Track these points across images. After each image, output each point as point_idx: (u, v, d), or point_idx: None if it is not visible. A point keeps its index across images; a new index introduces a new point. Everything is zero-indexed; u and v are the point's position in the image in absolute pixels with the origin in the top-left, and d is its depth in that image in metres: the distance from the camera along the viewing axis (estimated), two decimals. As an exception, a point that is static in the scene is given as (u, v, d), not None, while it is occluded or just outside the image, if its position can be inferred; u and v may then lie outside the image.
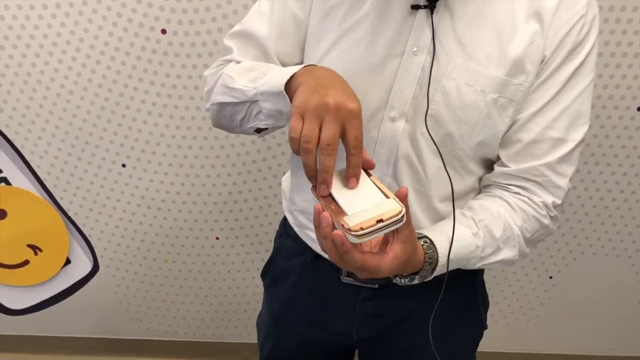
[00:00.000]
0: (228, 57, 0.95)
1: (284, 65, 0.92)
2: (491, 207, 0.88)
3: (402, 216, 0.68)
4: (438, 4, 0.82)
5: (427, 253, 0.80)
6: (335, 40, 0.86)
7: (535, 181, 0.88)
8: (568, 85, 0.84)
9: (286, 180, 1.11)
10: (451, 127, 0.84)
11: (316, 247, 1.02)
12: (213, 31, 1.55)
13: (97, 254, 1.88)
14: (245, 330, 2.09)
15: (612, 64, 1.58)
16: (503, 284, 1.96)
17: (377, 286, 1.00)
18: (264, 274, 1.19)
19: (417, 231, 0.82)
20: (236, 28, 0.95)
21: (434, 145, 0.85)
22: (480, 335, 1.13)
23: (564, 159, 0.86)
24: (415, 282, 0.82)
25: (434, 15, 0.81)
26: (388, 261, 0.71)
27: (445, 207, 0.90)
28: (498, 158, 0.91)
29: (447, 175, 0.85)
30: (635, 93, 1.62)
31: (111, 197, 1.82)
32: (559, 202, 0.89)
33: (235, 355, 2.12)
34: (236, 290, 1.99)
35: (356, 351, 1.18)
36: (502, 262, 0.89)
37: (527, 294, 1.98)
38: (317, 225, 0.69)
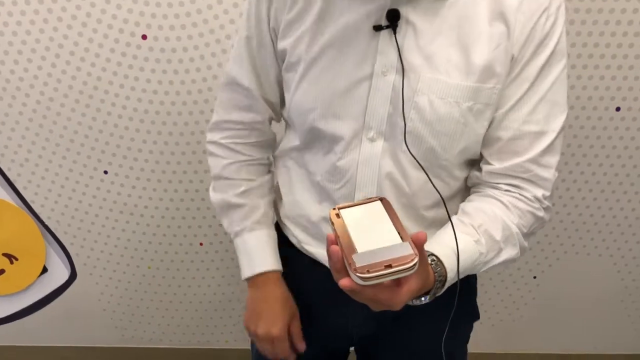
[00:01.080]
0: (218, 120, 1.06)
1: (272, 103, 1.02)
2: (486, 209, 0.88)
3: (414, 265, 0.66)
4: (400, 22, 0.82)
5: (436, 272, 0.79)
6: (302, 72, 0.88)
7: (522, 177, 0.88)
8: (539, 78, 0.84)
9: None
10: (431, 141, 0.85)
11: (313, 257, 1.03)
12: (194, 36, 1.55)
13: (78, 262, 1.86)
14: (231, 336, 2.08)
15: (590, 65, 1.59)
16: (487, 285, 1.97)
17: None
18: None
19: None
20: (224, 77, 1.04)
21: (417, 161, 0.86)
22: (471, 327, 1.16)
23: (546, 151, 0.87)
24: (427, 301, 0.81)
25: (397, 34, 0.82)
26: (402, 294, 0.70)
27: (432, 214, 0.92)
28: (482, 156, 0.91)
29: (432, 187, 0.85)
30: (614, 93, 1.64)
31: (93, 205, 1.80)
32: (548, 193, 0.89)
33: (221, 362, 2.11)
34: (221, 295, 1.98)
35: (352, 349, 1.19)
36: (505, 262, 0.89)
37: (512, 294, 2.00)
38: (329, 256, 0.69)
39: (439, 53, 0.82)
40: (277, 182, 1.09)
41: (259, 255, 1.04)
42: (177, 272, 1.94)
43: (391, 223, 0.72)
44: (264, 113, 1.02)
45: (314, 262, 1.03)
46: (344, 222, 0.73)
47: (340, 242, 0.69)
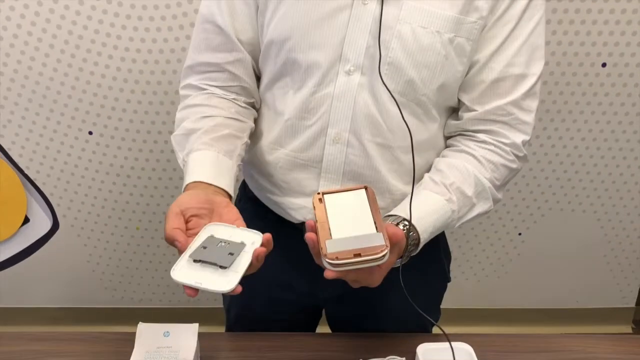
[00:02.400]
0: (191, 64, 0.97)
1: (242, 42, 0.93)
2: (459, 165, 0.89)
3: (383, 256, 0.68)
4: None
5: (408, 236, 0.80)
6: None
7: (502, 121, 0.89)
8: (523, 20, 0.85)
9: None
10: (411, 72, 0.85)
11: (276, 210, 1.01)
12: (176, -7, 1.52)
13: (66, 223, 1.86)
14: (220, 295, 2.10)
15: (577, 20, 1.59)
16: (473, 241, 2.00)
17: None
18: None
19: (394, 214, 0.84)
20: (197, 17, 0.96)
21: (395, 95, 0.85)
22: (444, 288, 1.15)
23: (527, 94, 0.88)
24: (401, 263, 0.82)
25: None
26: (380, 273, 0.73)
27: (408, 158, 0.90)
28: (460, 104, 0.91)
29: (409, 125, 0.85)
30: (600, 49, 1.64)
31: (79, 166, 1.79)
32: (527, 138, 0.90)
33: (212, 320, 2.11)
34: (210, 256, 1.99)
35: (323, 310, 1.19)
36: (478, 215, 0.91)
37: (497, 251, 2.03)
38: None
39: None
40: None
41: (197, 168, 0.84)
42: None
43: (370, 212, 0.74)
44: (238, 52, 0.93)
45: (281, 222, 1.01)
46: (325, 207, 0.76)
47: (317, 227, 0.72)
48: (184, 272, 0.69)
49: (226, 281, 0.69)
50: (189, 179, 0.83)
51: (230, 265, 0.70)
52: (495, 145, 0.90)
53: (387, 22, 0.82)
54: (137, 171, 1.81)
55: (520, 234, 1.99)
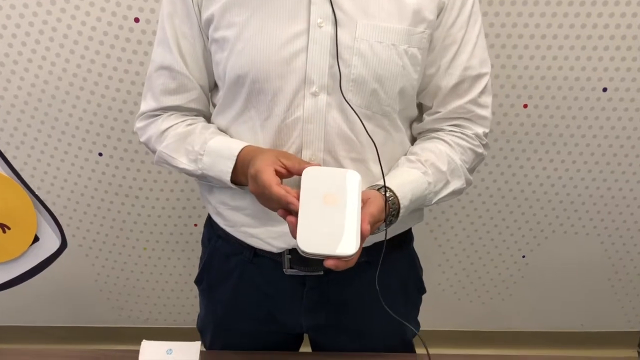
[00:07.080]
0: (149, 110, 1.00)
1: (196, 80, 0.98)
2: (431, 147, 0.95)
3: (350, 256, 0.74)
4: None
5: (389, 200, 0.85)
6: (236, 35, 0.88)
7: (464, 118, 0.96)
8: (470, 25, 0.92)
9: (203, 185, 1.08)
10: (374, 85, 0.89)
11: (254, 243, 1.00)
12: (185, 19, 1.56)
13: (68, 234, 1.89)
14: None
15: (578, 46, 1.62)
16: (477, 264, 2.00)
17: (322, 273, 1.00)
18: (199, 280, 1.16)
19: (375, 183, 0.89)
20: (150, 65, 1.00)
21: (362, 109, 0.89)
22: (421, 300, 1.18)
23: (483, 92, 0.96)
24: (384, 229, 0.87)
25: None
26: (365, 222, 0.77)
27: (378, 169, 0.92)
28: (424, 108, 0.99)
29: (378, 137, 0.90)
30: (601, 74, 1.66)
31: (88, 187, 1.83)
32: (487, 130, 0.99)
33: (217, 341, 2.15)
34: (216, 276, 2.01)
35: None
36: (453, 192, 0.97)
37: (501, 274, 2.03)
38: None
39: (372, 1, 0.86)
40: None
41: (227, 145, 0.93)
42: (172, 253, 1.97)
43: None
44: (195, 90, 0.98)
45: (255, 254, 1.02)
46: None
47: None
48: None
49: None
50: (235, 151, 0.90)
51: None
52: (461, 133, 0.97)
53: (346, 41, 0.86)
54: (145, 192, 1.85)
55: (524, 256, 2.00)
